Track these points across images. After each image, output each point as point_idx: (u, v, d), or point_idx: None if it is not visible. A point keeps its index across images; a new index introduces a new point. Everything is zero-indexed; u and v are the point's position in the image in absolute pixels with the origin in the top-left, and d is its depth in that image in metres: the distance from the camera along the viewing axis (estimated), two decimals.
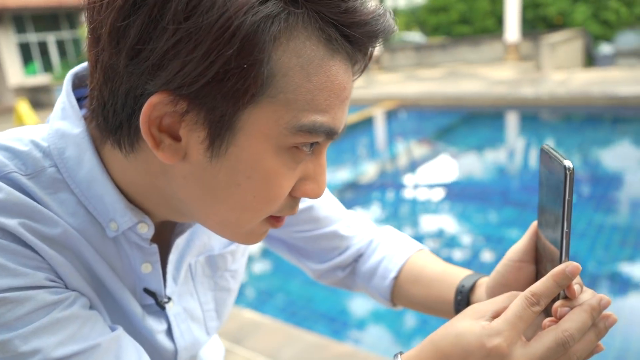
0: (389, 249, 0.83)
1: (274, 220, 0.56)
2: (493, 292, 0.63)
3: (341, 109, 0.50)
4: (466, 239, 4.48)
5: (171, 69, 0.43)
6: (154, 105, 0.45)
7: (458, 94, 9.73)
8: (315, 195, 0.54)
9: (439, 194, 5.77)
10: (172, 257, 0.65)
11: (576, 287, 0.50)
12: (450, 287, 0.73)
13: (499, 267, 0.63)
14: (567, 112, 8.70)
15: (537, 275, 0.61)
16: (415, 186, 6.24)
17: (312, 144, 0.50)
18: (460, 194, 5.74)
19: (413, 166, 7.06)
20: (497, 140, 8.17)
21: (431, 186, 6.11)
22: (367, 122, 9.23)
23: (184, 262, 0.67)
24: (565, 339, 0.48)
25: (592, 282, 3.52)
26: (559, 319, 0.50)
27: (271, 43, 0.44)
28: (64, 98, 0.56)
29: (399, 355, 0.53)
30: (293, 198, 0.55)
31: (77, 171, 0.53)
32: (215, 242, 0.72)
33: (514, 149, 7.66)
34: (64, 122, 0.55)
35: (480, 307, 0.53)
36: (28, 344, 0.47)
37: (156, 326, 0.64)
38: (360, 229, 0.86)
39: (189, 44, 0.42)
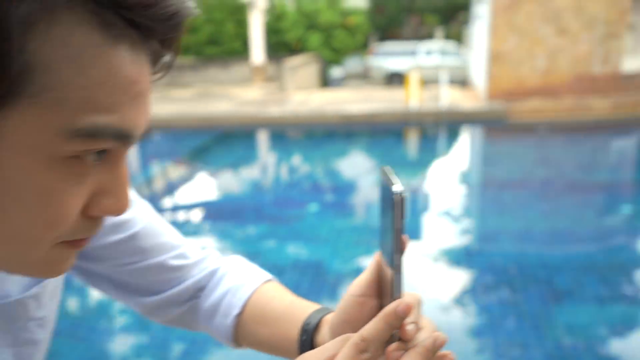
0: (234, 281, 0.73)
1: (75, 242, 0.46)
2: (336, 331, 0.56)
3: (134, 107, 0.41)
4: None
5: None
6: None
7: (210, 114, 9.95)
8: (117, 211, 0.45)
9: (198, 214, 5.80)
10: None
11: (410, 327, 0.46)
12: (295, 324, 0.65)
13: (342, 303, 0.56)
14: (309, 129, 9.66)
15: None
16: (175, 208, 6.15)
17: (99, 153, 0.41)
18: (218, 212, 5.87)
19: (171, 188, 6.95)
20: (249, 158, 8.59)
21: (190, 207, 6.10)
22: None
23: None
24: None
25: (338, 280, 3.98)
26: None
27: (22, 29, 0.34)
28: None
29: None
30: (91, 218, 0.45)
31: None
32: (10, 285, 0.57)
33: (265, 165, 8.16)
34: None
35: (310, 356, 0.47)
36: None
37: None
38: (199, 258, 0.76)
39: None
